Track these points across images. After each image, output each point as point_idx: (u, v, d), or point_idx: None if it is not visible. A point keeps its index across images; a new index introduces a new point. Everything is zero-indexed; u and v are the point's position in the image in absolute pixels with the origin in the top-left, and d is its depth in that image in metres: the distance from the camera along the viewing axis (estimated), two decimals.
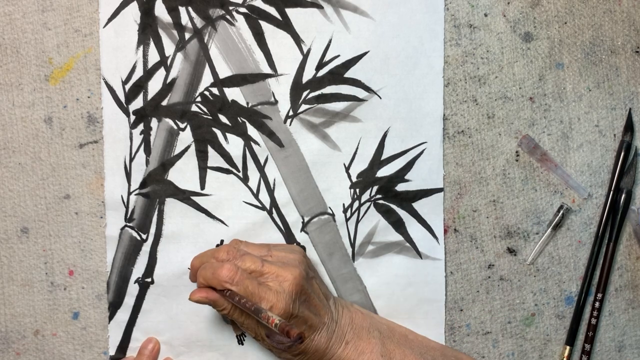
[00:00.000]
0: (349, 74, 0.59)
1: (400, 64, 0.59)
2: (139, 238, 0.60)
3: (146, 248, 0.60)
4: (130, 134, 0.59)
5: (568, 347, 0.61)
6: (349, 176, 0.60)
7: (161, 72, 0.59)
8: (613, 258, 0.61)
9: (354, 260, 0.60)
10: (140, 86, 0.59)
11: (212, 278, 0.51)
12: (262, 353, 0.60)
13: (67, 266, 0.60)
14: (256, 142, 0.60)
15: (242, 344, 0.61)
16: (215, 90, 0.59)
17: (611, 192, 0.60)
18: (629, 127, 0.60)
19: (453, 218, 0.61)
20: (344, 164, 0.60)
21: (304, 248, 0.60)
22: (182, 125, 0.59)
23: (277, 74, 0.59)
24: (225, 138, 0.60)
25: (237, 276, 0.50)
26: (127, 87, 0.59)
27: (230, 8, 0.59)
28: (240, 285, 0.50)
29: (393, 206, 0.60)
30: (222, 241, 0.60)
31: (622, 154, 0.60)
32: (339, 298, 0.59)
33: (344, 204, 0.60)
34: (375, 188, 0.60)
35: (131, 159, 0.59)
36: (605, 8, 0.60)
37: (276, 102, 0.60)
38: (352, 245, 0.60)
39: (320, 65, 0.59)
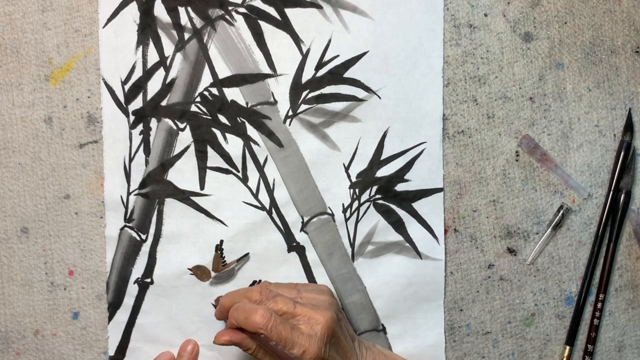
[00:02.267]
0: (348, 74, 0.59)
1: (399, 64, 0.59)
2: (138, 238, 0.60)
3: (145, 248, 0.60)
4: (130, 134, 0.59)
5: (568, 347, 0.61)
6: (349, 176, 0.60)
7: (160, 72, 0.59)
8: (613, 258, 0.61)
9: (353, 260, 0.60)
10: (139, 86, 0.59)
11: (245, 322, 0.50)
12: None
13: (67, 266, 0.60)
14: (256, 142, 0.60)
15: None
16: (214, 91, 0.59)
17: (611, 192, 0.60)
18: (628, 127, 0.60)
19: (453, 218, 0.61)
20: (344, 164, 0.60)
21: (303, 247, 0.60)
22: (181, 126, 0.59)
23: (276, 74, 0.59)
24: (225, 138, 0.60)
25: (270, 322, 0.50)
26: (127, 87, 0.59)
27: (230, 8, 0.59)
28: (274, 331, 0.50)
29: (393, 206, 0.60)
30: (222, 241, 0.60)
31: (622, 154, 0.60)
32: (362, 339, 0.59)
33: (343, 204, 0.60)
34: (374, 188, 0.60)
35: (131, 159, 0.60)
36: (605, 8, 0.60)
37: (275, 102, 0.60)
38: (352, 245, 0.60)
39: (320, 65, 0.59)
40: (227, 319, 0.54)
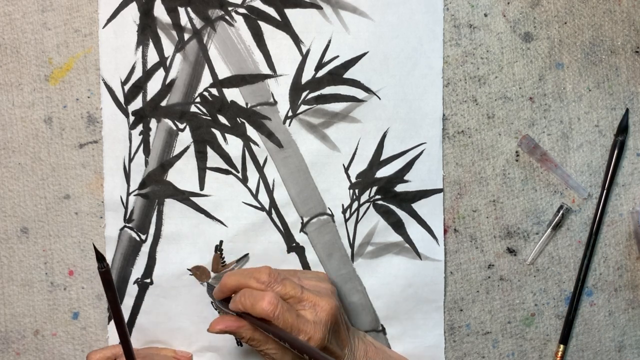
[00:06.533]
0: (348, 74, 0.59)
1: (399, 64, 0.59)
2: (138, 239, 0.60)
3: (145, 249, 0.60)
4: (130, 134, 0.59)
5: (562, 346, 0.61)
6: (348, 177, 0.60)
7: (160, 73, 0.59)
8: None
9: (353, 260, 0.60)
10: (139, 87, 0.59)
11: (252, 308, 0.50)
12: None
13: (67, 266, 0.60)
14: (255, 143, 0.60)
15: (241, 345, 0.61)
16: (214, 91, 0.59)
17: (604, 191, 0.60)
18: (623, 126, 0.60)
19: (453, 218, 0.61)
20: (343, 165, 0.60)
21: (302, 248, 0.60)
22: (181, 126, 0.59)
23: (276, 74, 0.59)
24: (225, 139, 0.60)
25: (277, 309, 0.49)
26: (127, 87, 0.59)
27: (230, 9, 0.59)
28: (281, 318, 0.49)
29: (392, 207, 0.60)
30: (221, 242, 0.60)
31: (616, 152, 0.60)
32: (354, 328, 0.59)
33: (343, 205, 0.60)
34: (374, 189, 0.60)
35: (130, 160, 0.60)
36: (605, 8, 0.60)
37: (275, 102, 0.60)
38: (352, 245, 0.60)
39: (320, 65, 0.59)
40: (222, 298, 0.54)
